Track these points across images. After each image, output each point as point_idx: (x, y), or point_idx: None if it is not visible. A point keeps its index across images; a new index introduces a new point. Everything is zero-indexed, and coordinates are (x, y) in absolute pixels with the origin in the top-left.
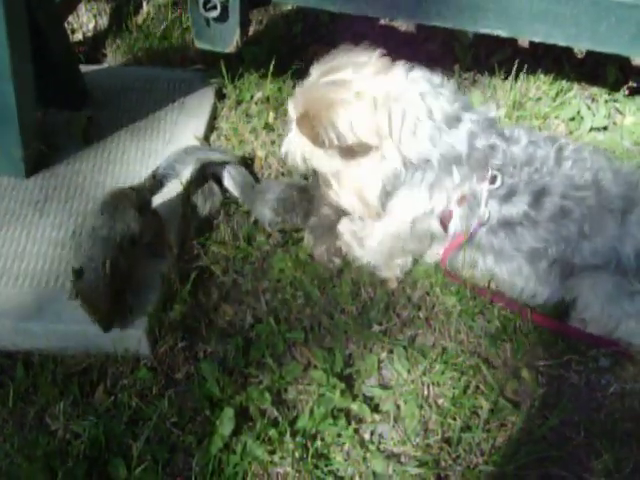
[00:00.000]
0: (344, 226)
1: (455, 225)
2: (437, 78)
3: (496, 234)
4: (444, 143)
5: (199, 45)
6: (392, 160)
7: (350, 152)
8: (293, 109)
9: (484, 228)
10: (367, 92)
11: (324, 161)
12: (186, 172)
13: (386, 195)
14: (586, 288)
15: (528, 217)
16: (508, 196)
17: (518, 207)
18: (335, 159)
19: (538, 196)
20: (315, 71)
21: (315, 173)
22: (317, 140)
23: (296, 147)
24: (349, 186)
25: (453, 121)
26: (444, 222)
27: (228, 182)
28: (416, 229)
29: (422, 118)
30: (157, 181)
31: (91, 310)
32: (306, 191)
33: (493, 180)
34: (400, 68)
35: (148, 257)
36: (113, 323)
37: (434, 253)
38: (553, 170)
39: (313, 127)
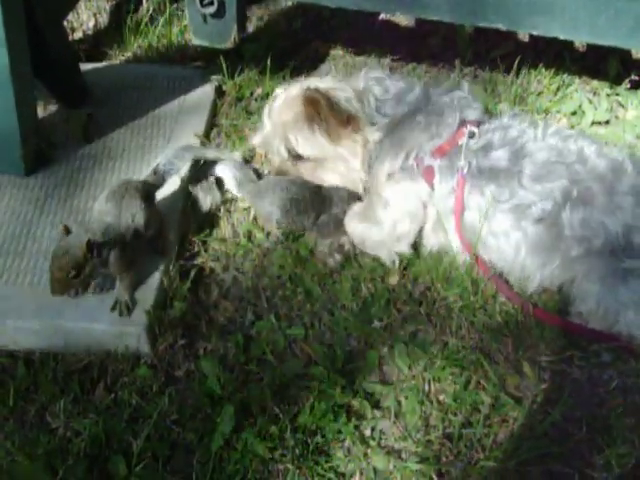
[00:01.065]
0: (351, 210)
1: (438, 180)
2: (387, 71)
3: (479, 190)
4: (403, 104)
5: (196, 41)
6: (369, 133)
7: (338, 132)
8: (287, 98)
9: (467, 186)
10: (342, 84)
11: (313, 147)
12: (185, 168)
13: (370, 166)
14: (580, 274)
15: (510, 173)
16: (485, 150)
17: (498, 163)
18: (323, 142)
19: (517, 155)
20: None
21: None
22: (319, 113)
23: (281, 138)
24: (336, 166)
25: (407, 91)
26: (428, 179)
27: (227, 177)
28: (398, 186)
29: (381, 96)
30: (159, 177)
31: (54, 268)
32: (319, 193)
33: (471, 135)
34: (357, 71)
35: (150, 254)
36: (66, 292)
37: (433, 223)
38: (536, 139)
39: (311, 105)
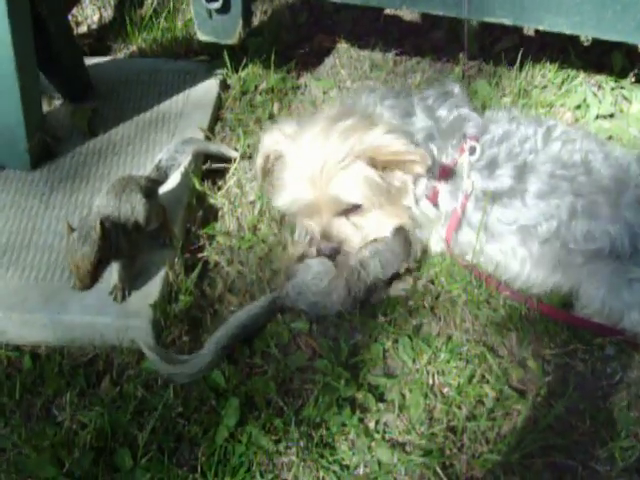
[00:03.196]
0: None
1: (444, 201)
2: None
3: (482, 210)
4: (419, 131)
5: (202, 37)
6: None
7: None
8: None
9: (471, 204)
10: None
11: (372, 191)
12: (186, 162)
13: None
14: (585, 280)
15: (514, 192)
16: (490, 168)
17: (502, 182)
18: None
19: (522, 171)
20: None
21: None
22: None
23: (329, 196)
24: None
25: (410, 113)
26: (433, 200)
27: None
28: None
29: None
30: (162, 172)
31: (73, 267)
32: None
33: (472, 151)
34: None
35: (155, 248)
36: (90, 287)
37: (438, 237)
38: (538, 149)
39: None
